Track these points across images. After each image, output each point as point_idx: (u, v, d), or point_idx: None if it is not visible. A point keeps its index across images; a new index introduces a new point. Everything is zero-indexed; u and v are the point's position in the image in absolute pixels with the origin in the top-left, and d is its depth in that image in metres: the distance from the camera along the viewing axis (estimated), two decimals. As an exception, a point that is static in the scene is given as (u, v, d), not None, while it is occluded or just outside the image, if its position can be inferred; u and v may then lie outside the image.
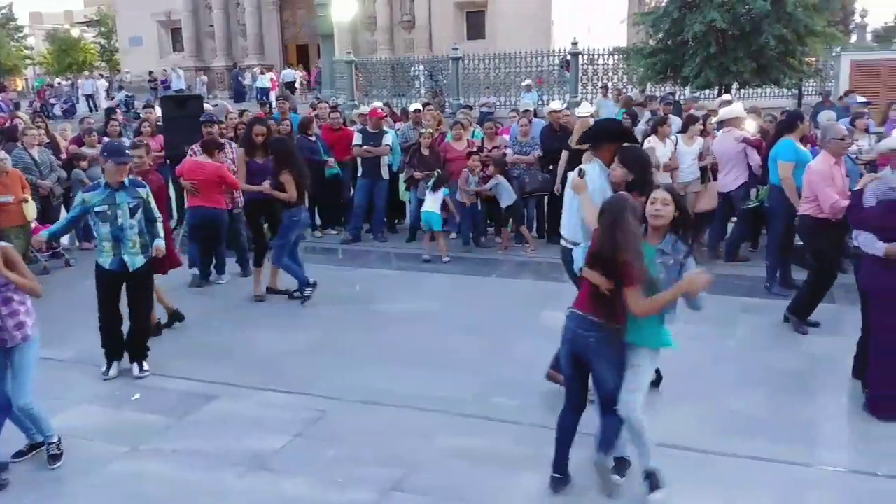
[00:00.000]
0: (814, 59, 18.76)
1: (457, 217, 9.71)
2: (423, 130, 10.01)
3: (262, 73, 31.33)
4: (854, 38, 27.05)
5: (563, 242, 5.31)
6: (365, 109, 11.15)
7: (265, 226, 8.04)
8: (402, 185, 10.37)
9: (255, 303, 7.71)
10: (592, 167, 4.95)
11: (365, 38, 34.88)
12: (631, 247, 3.75)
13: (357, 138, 9.99)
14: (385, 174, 10.03)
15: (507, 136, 10.22)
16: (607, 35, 28.14)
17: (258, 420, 5.15)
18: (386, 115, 10.89)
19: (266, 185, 7.50)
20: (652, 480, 4.06)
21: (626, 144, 4.97)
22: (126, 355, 5.94)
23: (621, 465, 4.27)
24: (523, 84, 20.60)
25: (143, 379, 5.82)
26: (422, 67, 24.77)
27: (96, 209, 5.57)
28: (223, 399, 5.48)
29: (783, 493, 4.17)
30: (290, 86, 29.59)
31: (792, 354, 6.06)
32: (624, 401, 3.99)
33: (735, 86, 17.42)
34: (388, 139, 9.98)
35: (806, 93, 19.84)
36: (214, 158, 7.97)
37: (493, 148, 9.85)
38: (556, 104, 10.57)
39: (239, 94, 31.06)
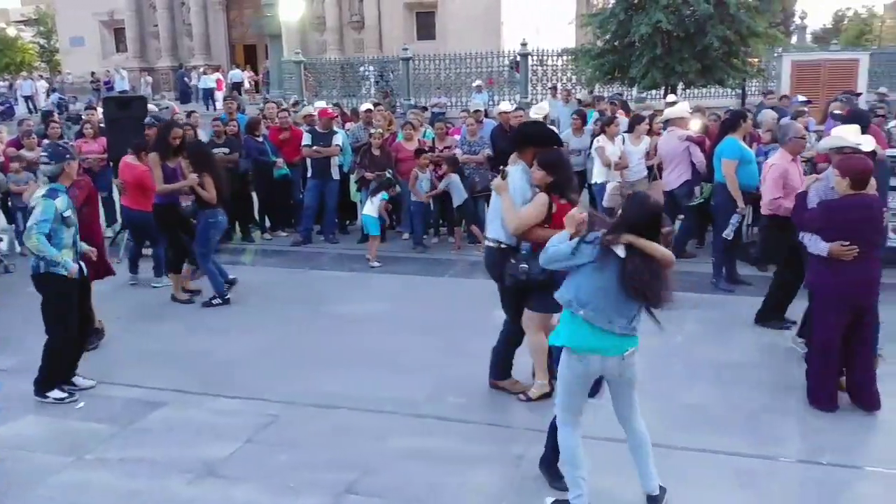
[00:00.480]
0: (756, 59, 19.23)
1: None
2: (373, 131, 9.96)
3: (206, 73, 30.78)
4: (794, 39, 27.85)
5: (487, 242, 5.26)
6: (311, 110, 11.04)
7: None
8: (352, 186, 10.30)
9: (203, 308, 7.55)
10: (515, 169, 5.02)
11: (314, 39, 34.64)
12: None
13: (306, 139, 9.88)
14: (335, 175, 9.94)
15: (458, 137, 10.23)
16: (556, 36, 28.48)
17: (207, 426, 5.04)
18: (336, 115, 10.79)
19: (194, 178, 7.32)
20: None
21: (546, 147, 5.01)
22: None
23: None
24: (474, 85, 20.67)
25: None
26: (371, 68, 24.68)
27: (64, 214, 5.32)
28: (171, 406, 5.36)
29: (733, 484, 4.24)
30: (237, 86, 29.18)
31: (738, 348, 6.20)
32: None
33: (681, 86, 17.75)
34: (338, 139, 9.90)
35: (749, 92, 20.34)
36: (143, 161, 7.81)
37: (445, 148, 9.86)
38: (505, 105, 10.65)
39: (185, 95, 30.50)
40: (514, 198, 4.90)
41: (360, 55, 30.40)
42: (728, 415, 5.06)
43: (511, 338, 5.34)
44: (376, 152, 9.73)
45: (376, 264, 9.03)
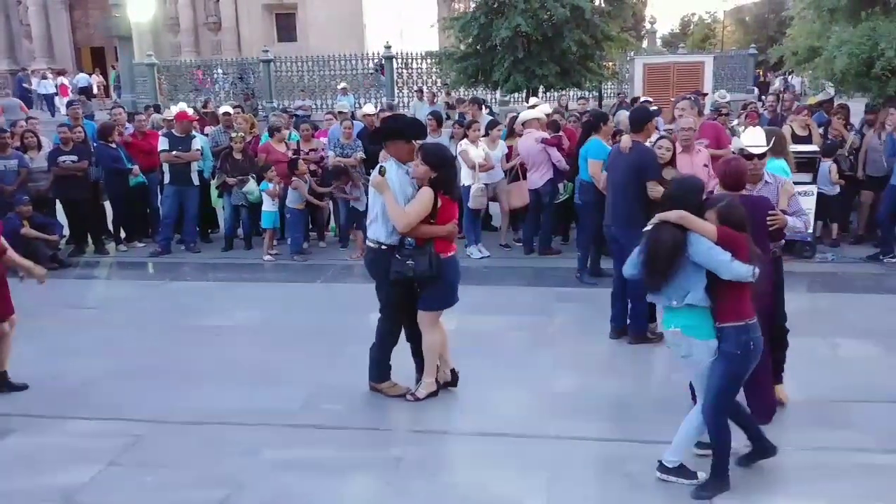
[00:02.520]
0: (611, 63, 20.14)
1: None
2: (234, 134, 9.63)
3: (44, 77, 28.70)
4: (646, 43, 29.43)
5: (367, 243, 5.16)
6: (169, 114, 10.55)
7: None
8: (213, 192, 9.91)
9: (55, 326, 7.01)
10: (390, 165, 4.95)
11: (168, 40, 33.21)
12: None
13: (163, 143, 9.42)
14: (195, 180, 9.54)
15: (324, 139, 10.07)
16: (420, 39, 28.64)
17: (64, 452, 4.68)
18: (195, 119, 10.35)
19: None
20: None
21: (427, 142, 5.02)
22: None
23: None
24: (339, 87, 20.47)
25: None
26: (220, 70, 23.95)
27: None
28: (21, 433, 4.94)
29: (602, 469, 4.38)
30: (86, 91, 27.48)
31: (602, 338, 6.42)
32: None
33: (542, 89, 18.29)
34: (198, 143, 9.51)
35: (605, 95, 21.28)
36: None
37: (310, 151, 9.66)
38: (369, 107, 10.60)
39: (25, 101, 28.35)
40: (396, 195, 4.82)
41: (218, 57, 29.39)
42: (595, 402, 5.22)
43: (386, 337, 5.26)
44: (238, 156, 9.42)
45: (268, 258, 9.02)
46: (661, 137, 6.39)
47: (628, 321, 6.26)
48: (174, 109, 10.11)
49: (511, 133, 9.55)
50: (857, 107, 11.17)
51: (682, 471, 4.14)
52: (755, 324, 3.90)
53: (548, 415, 5.04)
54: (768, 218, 4.41)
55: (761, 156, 4.80)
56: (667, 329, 4.06)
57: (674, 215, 3.86)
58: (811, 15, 12.01)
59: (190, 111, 10.38)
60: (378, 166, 4.98)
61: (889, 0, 9.72)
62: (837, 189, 8.92)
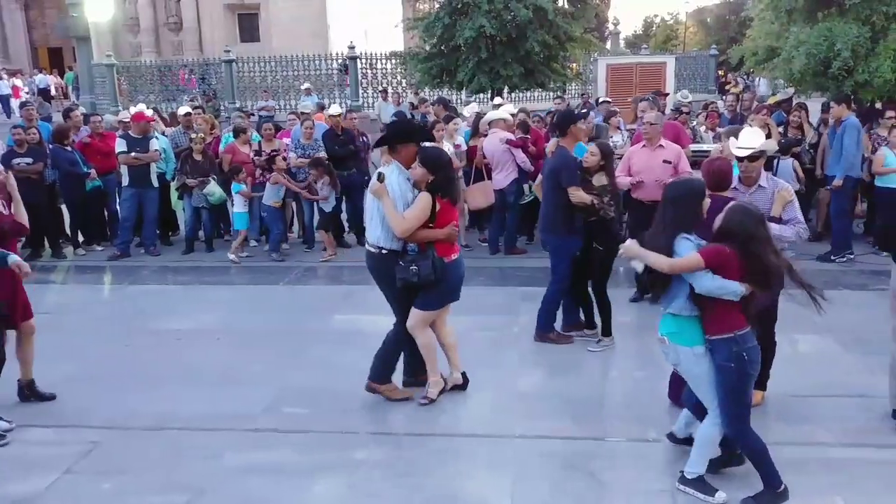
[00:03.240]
0: (574, 63, 20.26)
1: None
2: (193, 135, 9.49)
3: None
4: (609, 44, 29.69)
5: (368, 248, 5.08)
6: (126, 116, 10.37)
7: None
8: (173, 194, 9.76)
9: (9, 332, 6.81)
10: (391, 170, 4.90)
11: (127, 41, 32.68)
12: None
13: (121, 145, 9.24)
14: (155, 182, 9.38)
15: (287, 140, 9.97)
16: (384, 39, 28.54)
17: (17, 460, 4.56)
18: (153, 119, 10.16)
19: None
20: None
21: (424, 144, 4.99)
22: None
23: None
24: (303, 87, 20.31)
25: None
26: (181, 71, 23.65)
27: None
28: (-29, 443, 4.80)
29: (566, 467, 4.37)
30: (43, 92, 26.92)
31: (569, 337, 6.45)
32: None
33: (506, 89, 18.33)
34: (156, 144, 9.36)
35: (569, 95, 21.40)
36: None
37: (273, 151, 9.56)
38: (335, 108, 10.50)
39: (-21, 102, 27.72)
40: (396, 200, 4.77)
41: (179, 57, 28.98)
42: (561, 400, 5.22)
43: (401, 339, 5.16)
44: (198, 157, 9.28)
45: (233, 257, 8.97)
46: (591, 142, 6.37)
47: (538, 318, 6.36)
48: (133, 111, 9.93)
49: (476, 132, 9.54)
50: (816, 106, 11.39)
51: (699, 484, 4.02)
52: (747, 334, 3.81)
53: (513, 414, 5.03)
54: None
55: (751, 158, 4.73)
56: (659, 334, 4.01)
57: (665, 265, 3.78)
58: (770, 16, 12.18)
59: (149, 112, 10.21)
60: (377, 172, 4.92)
61: (844, 2, 9.89)
62: (799, 186, 9.07)
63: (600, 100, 13.54)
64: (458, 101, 19.62)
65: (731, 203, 4.01)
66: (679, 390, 4.77)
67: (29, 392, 5.38)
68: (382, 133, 6.61)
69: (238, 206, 9.13)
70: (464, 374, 5.35)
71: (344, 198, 9.69)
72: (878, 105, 10.84)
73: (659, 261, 3.78)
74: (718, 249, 3.75)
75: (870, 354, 5.67)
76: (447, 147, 8.93)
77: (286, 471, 4.40)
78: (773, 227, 4.51)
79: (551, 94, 19.43)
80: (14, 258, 4.83)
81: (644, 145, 6.75)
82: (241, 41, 32.07)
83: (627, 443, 4.68)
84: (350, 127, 10.05)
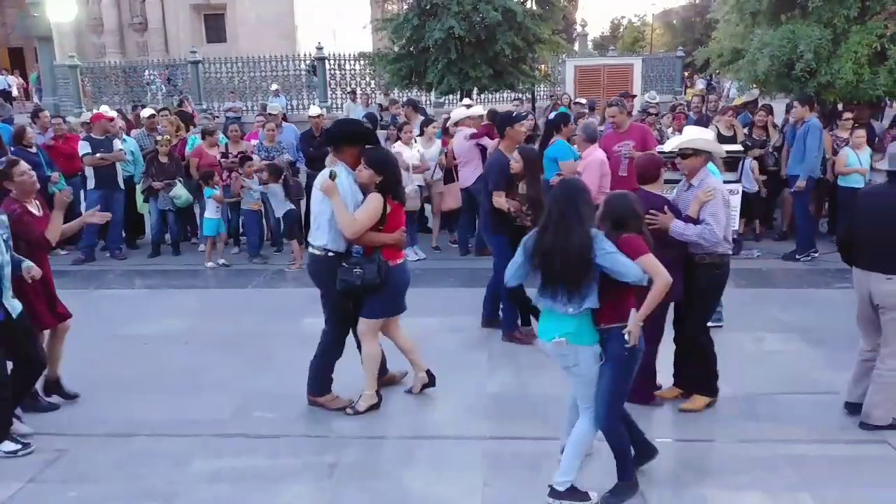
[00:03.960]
0: (543, 65, 20.36)
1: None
2: (159, 137, 9.36)
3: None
4: (577, 45, 29.88)
5: (312, 250, 4.95)
6: (87, 117, 10.19)
7: None
8: (139, 197, 9.61)
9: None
10: (340, 170, 4.82)
11: (91, 41, 32.16)
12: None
13: (84, 147, 9.08)
14: (122, 184, 9.23)
15: (254, 141, 9.88)
16: (353, 40, 28.44)
17: (-21, 471, 4.45)
18: (112, 119, 9.95)
19: None
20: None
21: (370, 146, 4.92)
22: None
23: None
24: (271, 88, 20.16)
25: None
26: (155, 72, 23.32)
27: None
28: (-70, 454, 4.67)
29: (535, 467, 4.37)
30: (4, 94, 26.39)
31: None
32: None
33: (476, 91, 18.36)
34: (120, 145, 9.22)
35: (538, 97, 21.51)
36: None
37: (239, 153, 9.46)
38: (315, 109, 10.37)
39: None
40: (346, 200, 4.68)
41: (145, 58, 28.59)
42: (526, 401, 5.24)
43: (330, 349, 5.07)
44: (164, 160, 9.16)
45: (210, 265, 8.87)
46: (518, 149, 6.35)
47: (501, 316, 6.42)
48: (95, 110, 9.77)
49: (445, 133, 9.54)
50: (781, 107, 11.58)
51: (573, 493, 3.91)
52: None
53: (483, 415, 5.03)
54: (647, 216, 4.30)
55: (683, 155, 4.82)
56: (549, 340, 3.83)
57: (664, 281, 3.77)
58: (735, 18, 12.34)
59: (113, 114, 10.04)
60: (328, 170, 4.81)
61: (806, 4, 10.05)
62: (756, 186, 9.20)
63: (572, 101, 13.63)
64: (428, 102, 19.63)
65: (607, 196, 4.08)
66: (643, 391, 4.82)
67: (55, 389, 5.36)
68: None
69: (209, 212, 8.99)
70: (429, 372, 5.32)
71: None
72: (840, 106, 11.04)
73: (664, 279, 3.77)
74: (634, 236, 3.81)
75: (834, 351, 5.77)
76: (417, 151, 8.96)
77: (256, 476, 4.35)
78: (677, 225, 4.61)
79: (521, 95, 19.53)
80: (28, 263, 4.75)
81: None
82: (208, 42, 31.74)
83: (598, 443, 4.68)
84: (332, 123, 10.00)
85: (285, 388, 5.33)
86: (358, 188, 4.81)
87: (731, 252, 4.94)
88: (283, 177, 8.94)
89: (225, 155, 9.37)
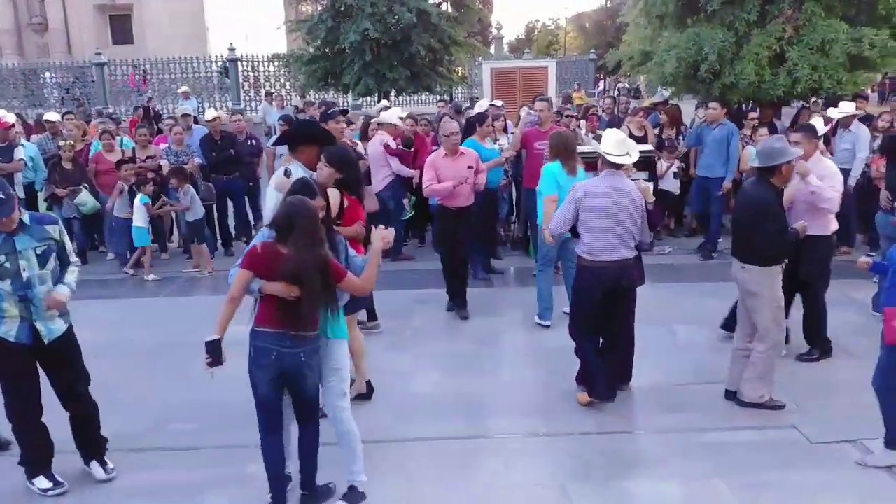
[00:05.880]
0: (460, 67, 20.49)
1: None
2: (62, 142, 8.93)
3: None
4: (493, 48, 30.18)
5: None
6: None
7: None
8: (41, 205, 9.15)
9: None
10: (296, 169, 4.78)
11: (-14, 42, 30.55)
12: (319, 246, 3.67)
13: (-21, 154, 8.60)
14: (21, 193, 8.76)
15: (164, 145, 9.55)
16: (266, 42, 27.95)
17: None
18: (13, 125, 9.46)
19: None
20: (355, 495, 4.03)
21: (328, 145, 4.91)
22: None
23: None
24: (181, 91, 19.60)
25: (111, 481, 4.34)
26: (48, 74, 22.35)
27: None
28: None
29: (462, 464, 4.41)
30: None
31: (461, 338, 6.50)
32: (341, 407, 3.96)
33: (393, 92, 18.33)
34: (22, 152, 8.77)
35: (456, 98, 21.64)
36: None
37: (147, 158, 9.14)
38: (212, 112, 10.08)
39: None
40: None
41: (45, 60, 27.34)
42: (458, 401, 5.26)
43: None
44: (68, 165, 8.75)
45: (153, 277, 8.46)
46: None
47: None
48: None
49: (364, 135, 9.42)
50: (689, 108, 11.99)
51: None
52: (265, 333, 3.80)
53: (409, 417, 5.01)
54: None
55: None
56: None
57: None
58: (643, 21, 12.69)
59: (12, 118, 9.54)
60: (283, 168, 4.82)
61: (708, 8, 10.41)
62: (678, 189, 9.55)
63: (489, 103, 13.72)
64: (346, 103, 19.47)
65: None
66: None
67: None
68: (275, 134, 6.36)
69: (138, 221, 8.56)
70: (368, 384, 5.28)
71: (231, 204, 9.44)
72: (745, 107, 11.50)
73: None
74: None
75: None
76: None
77: (175, 491, 4.22)
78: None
79: (438, 97, 19.60)
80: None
81: (445, 154, 6.86)
82: (114, 43, 30.64)
83: (522, 438, 4.75)
84: (239, 130, 9.78)
85: (203, 398, 5.16)
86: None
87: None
88: (191, 180, 8.70)
89: (133, 159, 9.02)
